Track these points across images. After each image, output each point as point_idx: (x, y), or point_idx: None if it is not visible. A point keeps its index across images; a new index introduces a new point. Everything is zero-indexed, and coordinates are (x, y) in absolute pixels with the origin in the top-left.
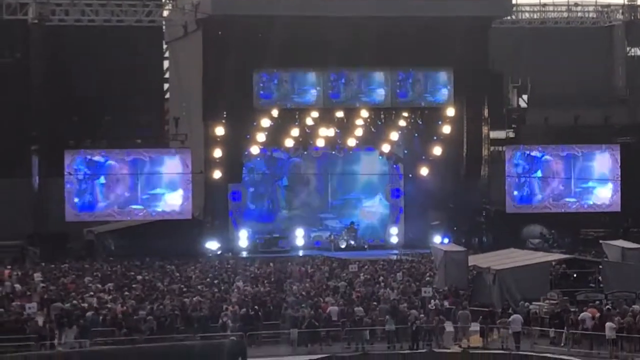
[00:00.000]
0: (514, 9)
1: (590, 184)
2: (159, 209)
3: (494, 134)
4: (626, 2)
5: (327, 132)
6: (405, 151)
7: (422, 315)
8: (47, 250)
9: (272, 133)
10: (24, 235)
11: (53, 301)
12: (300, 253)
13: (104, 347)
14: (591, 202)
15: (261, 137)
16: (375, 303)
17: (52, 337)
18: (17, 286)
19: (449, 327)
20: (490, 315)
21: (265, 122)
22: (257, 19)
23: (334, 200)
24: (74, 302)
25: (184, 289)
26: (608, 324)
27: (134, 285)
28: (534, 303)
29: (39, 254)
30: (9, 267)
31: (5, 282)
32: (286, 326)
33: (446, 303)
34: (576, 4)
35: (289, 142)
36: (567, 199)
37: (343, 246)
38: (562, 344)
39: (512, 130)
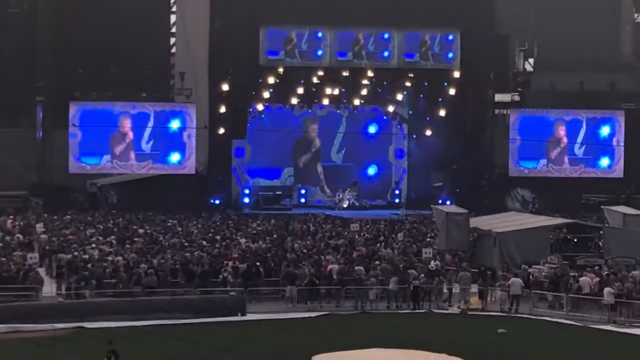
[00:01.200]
0: None
1: (594, 149)
2: (163, 163)
3: (499, 97)
4: None
5: (332, 90)
6: (410, 112)
7: (422, 276)
8: (50, 201)
9: (278, 90)
10: (28, 186)
11: (55, 252)
12: (303, 211)
13: (104, 299)
14: (594, 168)
15: (266, 94)
16: (377, 262)
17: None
18: (19, 236)
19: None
20: (490, 277)
21: (271, 79)
22: None
23: (337, 160)
24: (76, 253)
25: (186, 244)
26: (607, 289)
27: (135, 239)
28: (534, 266)
29: (41, 205)
30: (12, 217)
31: (9, 232)
32: (286, 283)
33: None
34: None
35: (294, 100)
36: (570, 165)
37: (345, 205)
38: (561, 308)
39: (517, 93)
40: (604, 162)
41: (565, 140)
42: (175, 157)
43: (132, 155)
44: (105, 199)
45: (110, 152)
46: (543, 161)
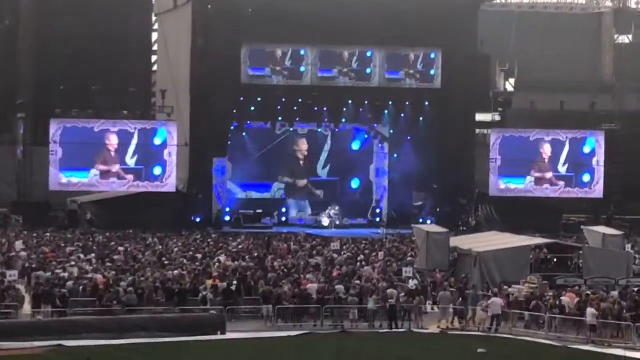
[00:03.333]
0: None
1: (573, 169)
2: (143, 181)
3: (480, 117)
4: None
5: (314, 109)
6: (392, 131)
7: (402, 295)
8: (30, 218)
9: (259, 108)
10: (7, 203)
11: (34, 270)
12: (284, 229)
13: (84, 317)
14: (574, 188)
15: (248, 111)
16: (357, 282)
17: (32, 306)
18: None
19: (428, 307)
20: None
21: (253, 97)
22: None
23: (318, 178)
24: (55, 271)
25: (166, 262)
26: (589, 310)
27: (115, 257)
28: (513, 286)
29: (21, 222)
30: None
31: None
32: (266, 302)
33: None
34: None
35: (275, 118)
36: (550, 185)
37: (326, 224)
38: (541, 328)
39: (498, 113)
40: (584, 182)
41: (548, 160)
42: (155, 174)
43: (116, 172)
44: (85, 217)
45: (91, 169)
46: (530, 179)
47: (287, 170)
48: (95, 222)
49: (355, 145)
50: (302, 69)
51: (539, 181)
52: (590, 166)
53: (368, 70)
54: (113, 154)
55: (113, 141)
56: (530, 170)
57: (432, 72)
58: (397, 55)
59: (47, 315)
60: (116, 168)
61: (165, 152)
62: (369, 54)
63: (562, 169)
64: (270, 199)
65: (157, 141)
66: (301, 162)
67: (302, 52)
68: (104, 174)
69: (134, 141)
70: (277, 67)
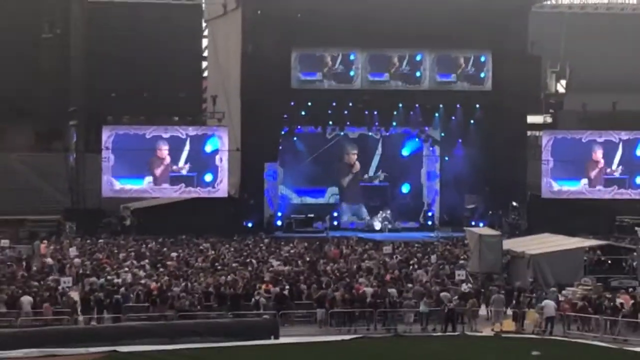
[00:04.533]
0: None
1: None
2: (196, 187)
3: (532, 119)
4: None
5: (364, 112)
6: (443, 134)
7: (455, 298)
8: (83, 225)
9: (310, 112)
10: (61, 210)
11: (88, 276)
12: (336, 233)
13: (137, 322)
14: (627, 189)
15: (298, 116)
16: (409, 285)
17: (85, 312)
18: (51, 260)
19: (482, 310)
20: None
21: (303, 102)
22: None
23: (370, 181)
24: (109, 277)
25: (218, 267)
26: None
27: (168, 263)
28: (567, 288)
29: (75, 229)
30: (45, 241)
31: (43, 256)
32: (318, 306)
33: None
34: None
35: (326, 122)
36: (603, 186)
37: (378, 227)
38: (595, 330)
39: (549, 115)
40: (638, 183)
41: (602, 162)
42: (207, 180)
43: (165, 178)
44: (138, 223)
45: (143, 175)
46: (584, 181)
47: (334, 178)
48: (148, 228)
49: (406, 151)
50: (352, 72)
51: (592, 182)
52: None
53: (418, 74)
54: (165, 160)
55: (164, 148)
56: (583, 171)
57: (483, 74)
58: (447, 57)
59: (101, 321)
60: (168, 177)
61: (217, 157)
62: (418, 57)
63: (616, 171)
64: (322, 203)
65: (208, 148)
66: (348, 169)
67: (352, 56)
68: (157, 180)
69: (186, 147)
70: (327, 71)
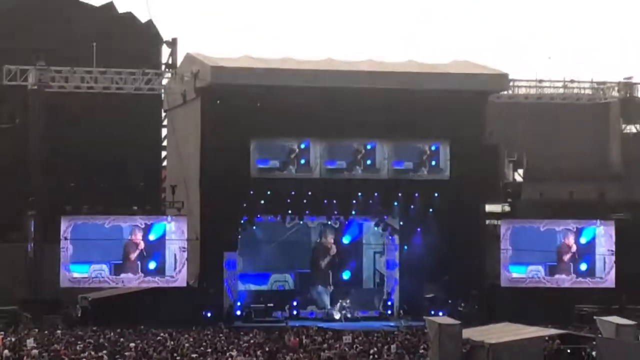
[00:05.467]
0: (511, 84)
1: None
2: (154, 277)
3: (490, 208)
4: (622, 80)
5: (323, 202)
6: (401, 222)
7: None
8: (40, 316)
9: (269, 202)
10: (18, 301)
11: None
12: (295, 323)
13: None
14: (586, 278)
15: (258, 205)
16: None
17: None
18: (7, 352)
19: None
20: None
21: (262, 191)
22: (256, 89)
23: (328, 270)
24: None
25: (177, 358)
26: None
27: (126, 354)
28: None
29: (32, 320)
30: (2, 332)
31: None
32: None
33: None
34: (572, 81)
35: (285, 211)
36: (562, 275)
37: (337, 317)
38: None
39: (507, 204)
40: (596, 272)
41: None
42: (166, 270)
43: (124, 268)
44: (96, 313)
45: (102, 266)
46: (535, 271)
47: (294, 267)
48: (106, 318)
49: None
50: (311, 162)
51: (549, 272)
52: (601, 255)
53: (376, 163)
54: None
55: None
56: (540, 261)
57: (441, 163)
58: (405, 146)
59: None
60: (124, 265)
61: (176, 247)
62: (376, 146)
63: (572, 260)
64: (279, 291)
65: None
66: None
67: (310, 146)
68: (114, 271)
69: (143, 237)
70: (286, 161)
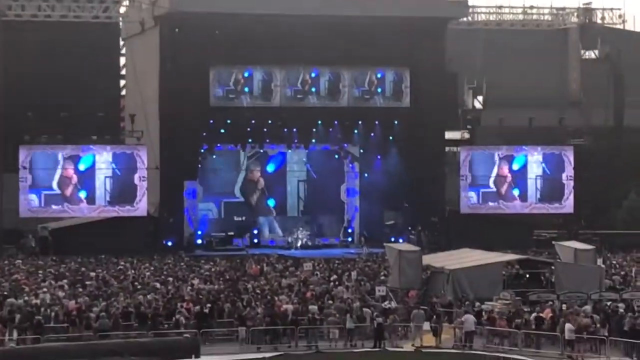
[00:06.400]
0: (470, 10)
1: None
2: (114, 206)
3: (449, 135)
4: (581, 5)
5: (284, 130)
6: (362, 150)
7: (376, 314)
8: (0, 245)
9: (229, 130)
10: None
11: (6, 297)
12: (256, 251)
13: (56, 343)
14: (544, 204)
15: (217, 134)
16: (330, 301)
17: (3, 334)
18: None
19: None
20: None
21: (222, 120)
22: (214, 16)
23: (289, 199)
24: (27, 298)
25: (138, 286)
26: (568, 325)
27: (87, 283)
28: (486, 303)
29: None
30: None
31: None
32: (240, 324)
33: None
34: (532, 7)
35: (245, 140)
36: (520, 201)
37: (298, 244)
38: (515, 344)
39: (467, 131)
40: (554, 197)
41: (509, 177)
42: (126, 199)
43: (84, 198)
44: (56, 243)
45: (61, 195)
46: (493, 197)
47: (252, 196)
48: (66, 248)
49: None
50: (271, 90)
51: (508, 198)
52: (560, 181)
53: (335, 90)
54: (74, 181)
55: (81, 167)
56: (498, 187)
57: (401, 90)
58: (365, 74)
59: (20, 342)
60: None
61: (136, 176)
62: (337, 73)
63: (532, 186)
64: (241, 221)
65: (127, 165)
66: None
67: (271, 73)
68: (73, 201)
69: (103, 166)
70: (246, 89)
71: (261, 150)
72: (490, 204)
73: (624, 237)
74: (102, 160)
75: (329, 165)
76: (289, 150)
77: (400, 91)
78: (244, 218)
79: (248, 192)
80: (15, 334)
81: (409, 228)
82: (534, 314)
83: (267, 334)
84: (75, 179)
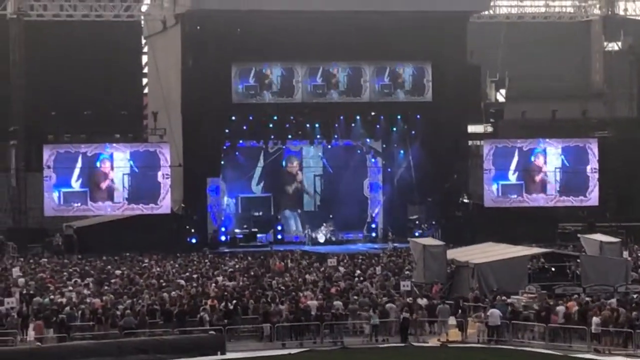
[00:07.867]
0: (492, 3)
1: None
2: (138, 204)
3: (472, 128)
4: None
5: (306, 126)
6: (384, 145)
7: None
8: (25, 245)
9: (251, 127)
10: (3, 230)
11: (32, 296)
12: (280, 247)
13: (82, 342)
14: (569, 196)
15: (240, 130)
16: (355, 297)
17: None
18: None
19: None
20: (469, 309)
21: (244, 116)
22: (235, 14)
23: (313, 195)
24: (52, 297)
25: (163, 284)
26: (594, 319)
27: (112, 280)
28: (512, 297)
29: (17, 249)
30: None
31: None
32: (265, 321)
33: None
34: None
35: (267, 136)
36: (545, 194)
37: (322, 240)
38: (541, 338)
39: (490, 124)
40: (579, 189)
41: (544, 169)
42: (150, 196)
43: (108, 196)
44: (82, 241)
45: (86, 194)
46: (518, 191)
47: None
48: (91, 246)
49: (346, 162)
50: (293, 86)
51: (532, 191)
52: (584, 174)
53: (358, 86)
54: (109, 178)
55: (105, 165)
56: (526, 180)
57: (423, 85)
58: (387, 69)
59: (47, 341)
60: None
61: (159, 174)
62: (357, 69)
63: (556, 178)
64: (259, 215)
65: (150, 163)
66: (290, 182)
67: (292, 69)
68: (99, 199)
69: (125, 164)
70: (268, 85)
71: (283, 147)
72: (514, 197)
73: None
74: (120, 158)
75: (351, 160)
76: (311, 147)
77: (422, 85)
78: (261, 213)
79: (281, 185)
80: (41, 333)
81: (433, 222)
82: (559, 307)
83: (291, 330)
84: (111, 174)
